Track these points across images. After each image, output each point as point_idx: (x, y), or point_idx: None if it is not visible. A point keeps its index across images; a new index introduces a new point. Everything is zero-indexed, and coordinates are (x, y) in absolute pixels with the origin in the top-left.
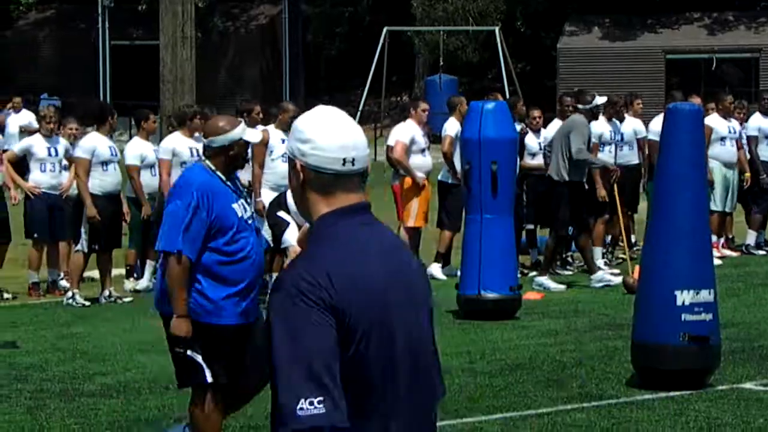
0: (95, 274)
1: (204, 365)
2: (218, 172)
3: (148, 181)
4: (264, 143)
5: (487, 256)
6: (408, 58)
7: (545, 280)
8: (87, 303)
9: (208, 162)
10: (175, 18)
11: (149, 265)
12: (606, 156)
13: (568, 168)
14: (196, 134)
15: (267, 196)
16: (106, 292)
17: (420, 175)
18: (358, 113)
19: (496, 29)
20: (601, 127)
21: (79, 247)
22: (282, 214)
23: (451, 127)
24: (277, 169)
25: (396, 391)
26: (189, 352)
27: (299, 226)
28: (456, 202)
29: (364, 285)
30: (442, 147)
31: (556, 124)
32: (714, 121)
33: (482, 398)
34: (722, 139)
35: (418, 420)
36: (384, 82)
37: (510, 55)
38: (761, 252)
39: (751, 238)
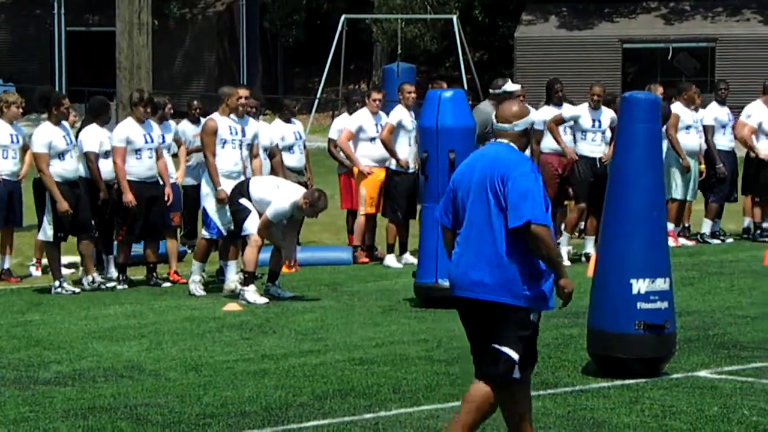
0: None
1: (518, 362)
2: None
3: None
4: (213, 132)
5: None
6: (366, 47)
7: None
8: (77, 290)
9: (513, 144)
10: (131, 4)
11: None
12: (588, 144)
13: None
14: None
15: (224, 185)
16: (89, 278)
17: (368, 163)
18: (316, 101)
19: (454, 17)
20: (581, 113)
21: (41, 236)
22: (244, 201)
23: (395, 114)
24: (227, 157)
25: None
26: (505, 349)
27: (260, 214)
28: (399, 190)
29: None
30: (380, 134)
31: None
32: (679, 109)
33: (439, 386)
34: (687, 127)
35: None
36: (342, 70)
37: (468, 44)
38: (716, 241)
39: (706, 226)
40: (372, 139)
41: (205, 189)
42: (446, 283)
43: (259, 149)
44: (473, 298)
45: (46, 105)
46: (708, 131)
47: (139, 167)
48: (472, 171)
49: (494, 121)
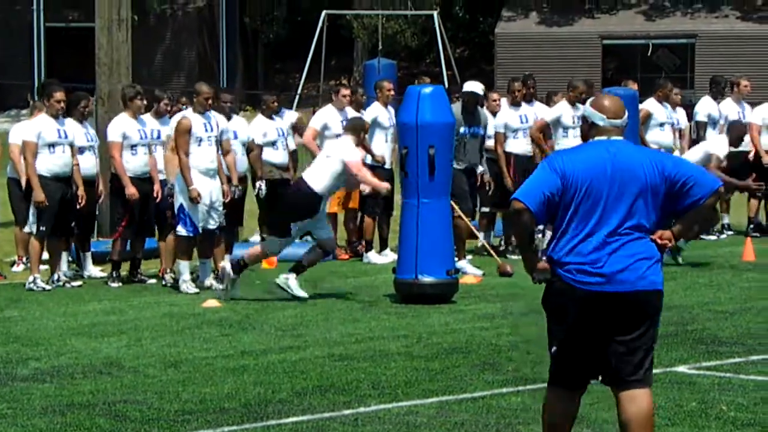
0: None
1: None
2: None
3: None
4: (186, 130)
5: (424, 240)
6: (347, 42)
7: (463, 264)
8: (48, 287)
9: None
10: (110, 0)
11: (84, 256)
12: (571, 141)
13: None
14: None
15: (198, 181)
16: (55, 276)
17: None
18: (297, 97)
19: (435, 13)
20: (562, 112)
21: (27, 229)
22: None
23: (371, 111)
24: (204, 154)
25: None
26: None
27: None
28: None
29: None
30: None
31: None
32: (652, 106)
33: (418, 382)
34: (661, 124)
35: None
36: (323, 66)
37: (448, 40)
38: (710, 237)
39: None
40: (338, 136)
41: (180, 186)
42: (427, 279)
43: (230, 145)
44: (650, 289)
45: (41, 97)
46: (701, 128)
47: (134, 163)
48: (608, 170)
49: (603, 116)
